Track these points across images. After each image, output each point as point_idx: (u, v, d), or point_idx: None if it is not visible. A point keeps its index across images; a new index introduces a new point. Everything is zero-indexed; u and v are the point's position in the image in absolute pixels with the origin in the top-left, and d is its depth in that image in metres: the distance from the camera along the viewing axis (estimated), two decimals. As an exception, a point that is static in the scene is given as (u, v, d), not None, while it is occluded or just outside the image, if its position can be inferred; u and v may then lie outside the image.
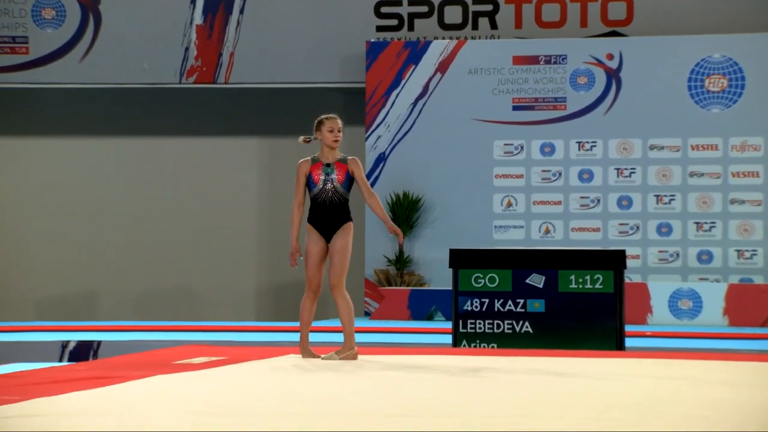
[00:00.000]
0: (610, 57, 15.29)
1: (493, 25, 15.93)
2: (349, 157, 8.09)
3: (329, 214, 7.95)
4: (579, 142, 15.33)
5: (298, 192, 8.02)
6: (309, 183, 8.00)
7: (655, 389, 6.33)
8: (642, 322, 13.83)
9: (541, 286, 9.55)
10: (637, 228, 15.11)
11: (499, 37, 15.86)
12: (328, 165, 8.00)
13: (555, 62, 15.41)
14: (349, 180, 7.99)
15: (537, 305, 9.56)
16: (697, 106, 15.12)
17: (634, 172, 15.22)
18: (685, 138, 15.10)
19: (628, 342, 9.84)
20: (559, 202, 15.30)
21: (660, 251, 15.04)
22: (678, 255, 15.01)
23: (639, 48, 15.29)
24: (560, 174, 15.33)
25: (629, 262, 12.19)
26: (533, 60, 15.46)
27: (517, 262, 9.67)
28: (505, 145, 15.43)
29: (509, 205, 15.38)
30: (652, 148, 15.17)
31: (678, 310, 14.03)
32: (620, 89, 15.26)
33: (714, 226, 15.00)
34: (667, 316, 13.96)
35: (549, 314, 9.51)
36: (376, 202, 8.04)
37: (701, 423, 5.01)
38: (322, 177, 7.96)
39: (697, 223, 15.05)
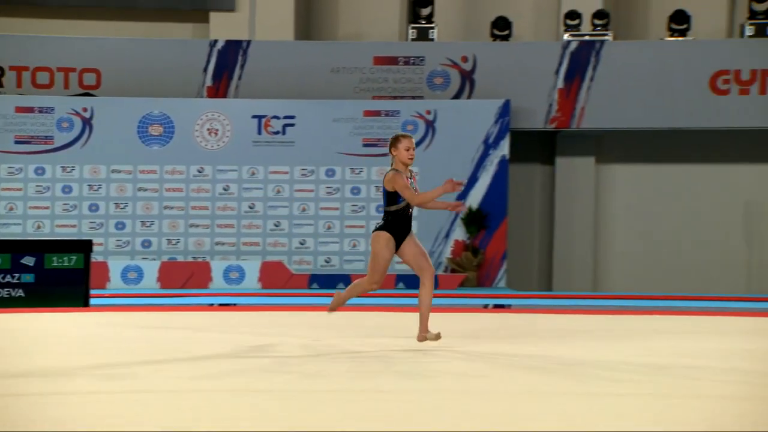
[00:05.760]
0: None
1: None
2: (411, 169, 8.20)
3: (407, 224, 8.10)
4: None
5: (407, 190, 7.85)
6: (399, 195, 7.97)
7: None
8: (102, 287, 16.10)
9: (32, 265, 11.88)
10: (102, 225, 17.65)
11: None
12: (410, 179, 8.07)
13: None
14: None
15: (29, 278, 11.91)
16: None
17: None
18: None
19: (93, 301, 12.29)
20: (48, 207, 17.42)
21: (117, 240, 17.55)
22: (129, 243, 17.62)
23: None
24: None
25: (96, 248, 15.34)
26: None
27: (14, 248, 11.99)
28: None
29: (12, 209, 17.64)
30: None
31: (128, 280, 16.87)
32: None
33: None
34: (120, 284, 16.63)
35: (38, 283, 11.90)
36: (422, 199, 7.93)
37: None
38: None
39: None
